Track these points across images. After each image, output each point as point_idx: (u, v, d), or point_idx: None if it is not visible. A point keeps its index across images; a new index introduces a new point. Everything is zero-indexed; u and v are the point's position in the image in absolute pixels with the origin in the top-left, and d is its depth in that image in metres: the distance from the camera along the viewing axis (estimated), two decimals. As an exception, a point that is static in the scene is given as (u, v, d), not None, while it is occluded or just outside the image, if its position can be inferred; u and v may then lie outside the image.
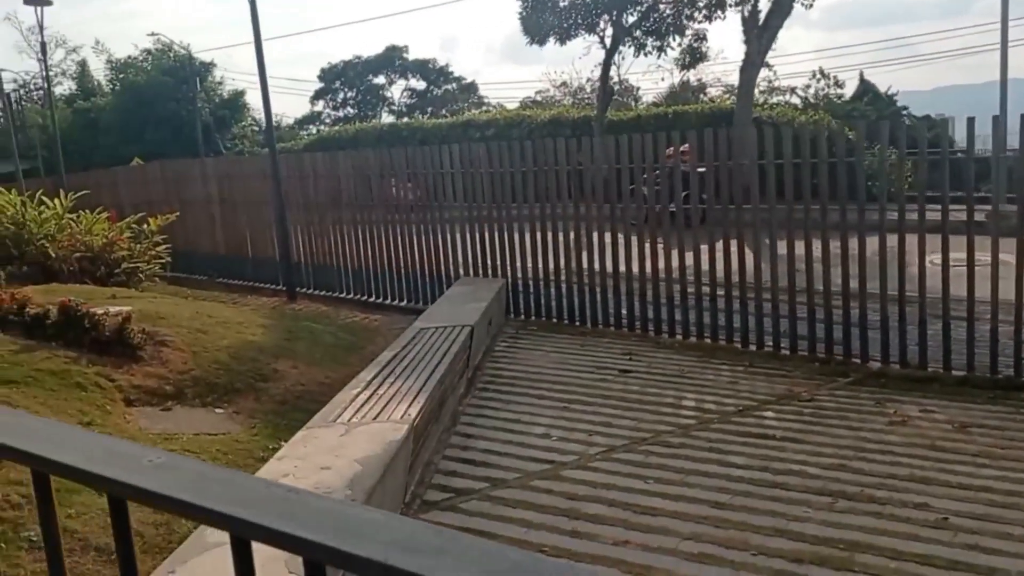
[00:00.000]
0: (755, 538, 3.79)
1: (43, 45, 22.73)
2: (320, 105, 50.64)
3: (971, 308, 6.30)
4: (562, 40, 21.65)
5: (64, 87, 35.98)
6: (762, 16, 18.58)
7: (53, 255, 10.08)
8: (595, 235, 8.38)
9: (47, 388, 5.35)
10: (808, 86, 40.18)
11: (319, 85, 49.98)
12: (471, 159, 9.31)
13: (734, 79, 41.35)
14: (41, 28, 21.45)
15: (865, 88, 39.32)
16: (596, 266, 8.39)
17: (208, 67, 35.12)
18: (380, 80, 49.91)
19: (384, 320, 9.65)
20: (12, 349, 5.85)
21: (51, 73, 25.91)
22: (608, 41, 21.86)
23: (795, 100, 38.28)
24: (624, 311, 8.28)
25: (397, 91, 50.51)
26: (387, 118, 46.20)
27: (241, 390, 6.24)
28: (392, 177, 10.37)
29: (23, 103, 30.40)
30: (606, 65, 22.25)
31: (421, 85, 50.31)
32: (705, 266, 7.65)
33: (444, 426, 5.30)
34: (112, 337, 6.28)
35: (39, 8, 20.21)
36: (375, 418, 4.39)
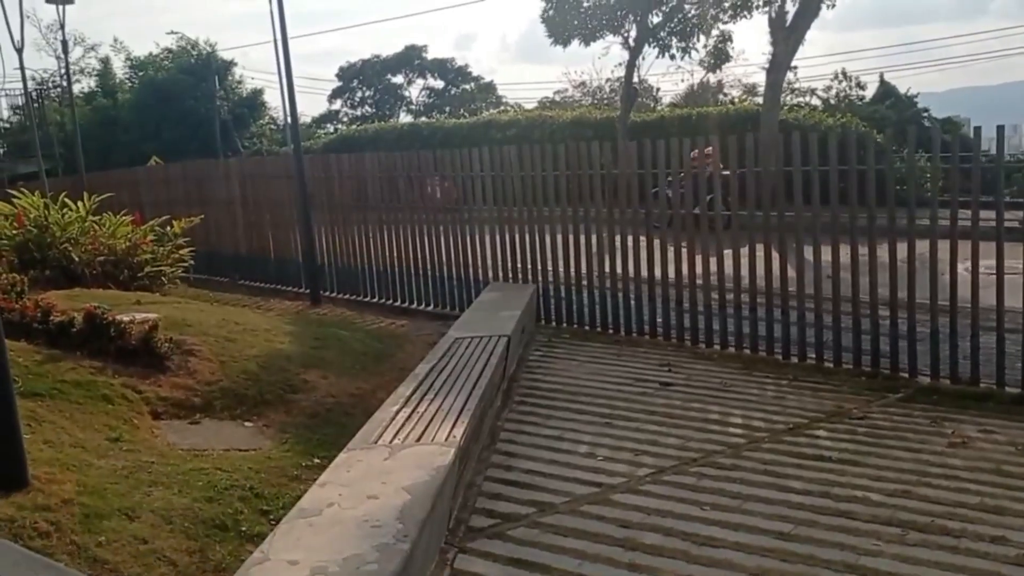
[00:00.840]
0: (826, 574, 3.55)
1: (64, 43, 22.63)
2: (338, 104, 50.67)
3: (1028, 321, 6.04)
4: (586, 41, 21.47)
5: (83, 84, 35.97)
6: (789, 17, 18.27)
7: (76, 259, 9.92)
8: (630, 240, 8.14)
9: (73, 401, 5.17)
10: (829, 87, 39.82)
11: (336, 84, 49.97)
12: (501, 162, 9.08)
13: (754, 80, 41.05)
14: (63, 26, 21.33)
15: (886, 90, 38.92)
16: (631, 272, 8.15)
17: (229, 65, 35.07)
18: (398, 79, 49.86)
19: (411, 326, 9.44)
20: (37, 359, 5.67)
21: (70, 70, 25.82)
22: (632, 42, 21.63)
23: (815, 101, 37.96)
24: (660, 319, 8.04)
25: (415, 90, 50.45)
26: (405, 117, 46.13)
27: (271, 402, 6.05)
28: (422, 179, 10.17)
29: (42, 101, 30.36)
30: (630, 66, 22.01)
31: (439, 84, 50.20)
32: (744, 272, 7.41)
33: (483, 443, 5.08)
34: (138, 346, 6.10)
35: (60, 7, 20.09)
36: (418, 440, 4.17)
